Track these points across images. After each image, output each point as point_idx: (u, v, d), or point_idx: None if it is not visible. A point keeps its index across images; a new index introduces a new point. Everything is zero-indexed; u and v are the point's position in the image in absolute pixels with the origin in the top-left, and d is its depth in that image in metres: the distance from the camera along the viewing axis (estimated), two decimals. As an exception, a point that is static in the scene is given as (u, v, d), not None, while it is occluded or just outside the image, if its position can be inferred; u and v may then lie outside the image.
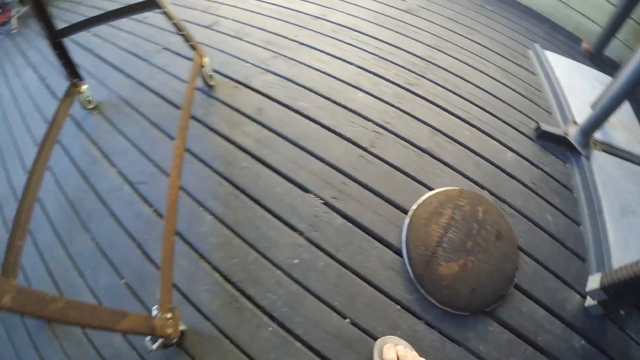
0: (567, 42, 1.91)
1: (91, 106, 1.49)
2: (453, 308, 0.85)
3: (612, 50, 1.80)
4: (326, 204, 1.02)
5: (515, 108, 1.37)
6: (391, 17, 1.69)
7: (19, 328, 1.04)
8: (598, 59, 1.83)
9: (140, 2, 1.31)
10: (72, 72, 1.37)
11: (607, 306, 0.88)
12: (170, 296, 0.81)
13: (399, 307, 0.87)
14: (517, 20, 1.91)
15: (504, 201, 1.07)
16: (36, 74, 1.85)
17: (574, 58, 1.72)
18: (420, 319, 0.86)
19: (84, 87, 1.44)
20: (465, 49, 1.57)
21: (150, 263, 1.00)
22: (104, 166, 1.27)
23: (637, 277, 0.77)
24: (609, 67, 1.77)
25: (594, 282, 0.90)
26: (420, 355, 0.76)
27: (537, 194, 1.10)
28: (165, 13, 1.28)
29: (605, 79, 1.59)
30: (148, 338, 0.80)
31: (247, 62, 1.47)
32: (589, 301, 0.91)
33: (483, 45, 1.62)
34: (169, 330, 0.79)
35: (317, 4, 1.78)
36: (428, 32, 1.62)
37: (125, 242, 1.05)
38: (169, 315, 0.79)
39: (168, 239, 0.84)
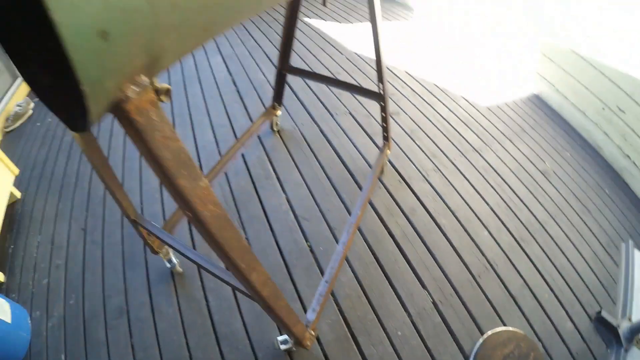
0: (661, 244, 2.24)
1: (276, 129, 2.04)
2: (491, 413, 1.34)
3: None
4: (434, 302, 1.54)
5: (589, 289, 1.78)
6: (528, 173, 2.15)
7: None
8: None
9: (369, 90, 1.63)
10: (279, 97, 1.91)
11: None
12: (318, 318, 1.32)
13: (456, 393, 1.37)
14: (626, 210, 2.28)
15: (550, 356, 1.52)
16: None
17: None
18: (467, 408, 1.35)
19: (279, 113, 1.98)
20: (574, 225, 2.00)
21: (291, 283, 1.54)
22: (275, 186, 1.84)
23: None
24: None
25: None
26: None
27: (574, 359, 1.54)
28: (382, 107, 1.75)
29: None
30: (281, 337, 1.31)
31: (413, 164, 2.02)
32: None
33: (588, 226, 2.04)
34: (308, 343, 1.27)
35: (478, 137, 2.29)
36: (551, 198, 2.06)
37: (276, 257, 1.61)
38: (315, 332, 1.31)
39: (332, 281, 1.37)
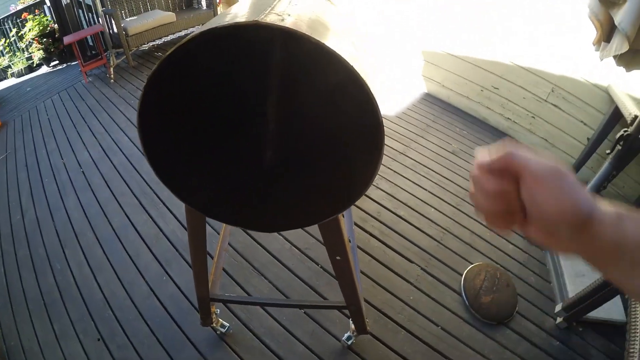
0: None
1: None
2: (488, 319, 2.19)
3: (583, 174, 3.28)
4: (422, 268, 2.40)
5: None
6: (443, 157, 3.23)
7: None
8: None
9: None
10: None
11: (568, 320, 2.20)
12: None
13: (460, 318, 2.20)
14: (519, 156, 3.45)
15: (508, 270, 2.45)
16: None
17: None
18: (472, 325, 2.19)
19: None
20: (487, 180, 3.06)
21: (321, 297, 2.29)
22: (271, 233, 2.58)
23: (579, 300, 2.11)
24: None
25: (558, 307, 2.25)
26: (466, 342, 2.10)
27: (525, 267, 2.49)
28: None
29: None
30: (345, 336, 2.06)
31: (363, 183, 2.93)
32: (558, 320, 2.24)
33: (497, 177, 3.12)
34: (368, 328, 2.04)
35: (399, 142, 3.35)
36: (465, 168, 3.13)
37: (300, 285, 2.36)
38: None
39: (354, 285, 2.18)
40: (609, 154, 2.24)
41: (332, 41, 0.76)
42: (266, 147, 0.89)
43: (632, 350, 1.38)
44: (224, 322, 2.08)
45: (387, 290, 2.27)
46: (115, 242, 2.61)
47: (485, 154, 0.41)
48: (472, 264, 2.44)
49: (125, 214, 2.80)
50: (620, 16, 1.75)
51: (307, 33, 0.71)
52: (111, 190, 3.03)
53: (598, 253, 0.36)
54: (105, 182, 3.13)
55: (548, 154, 0.39)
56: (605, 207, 0.36)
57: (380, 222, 2.65)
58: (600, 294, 1.93)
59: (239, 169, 0.96)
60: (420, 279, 2.35)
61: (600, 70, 2.92)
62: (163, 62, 0.74)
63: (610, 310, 2.13)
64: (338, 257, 1.35)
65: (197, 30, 0.76)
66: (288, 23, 0.72)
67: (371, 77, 0.85)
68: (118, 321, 2.17)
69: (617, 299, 2.11)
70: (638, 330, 1.47)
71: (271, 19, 0.73)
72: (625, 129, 2.11)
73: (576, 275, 2.41)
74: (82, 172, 3.29)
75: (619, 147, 2.14)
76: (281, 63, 0.75)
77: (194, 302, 2.16)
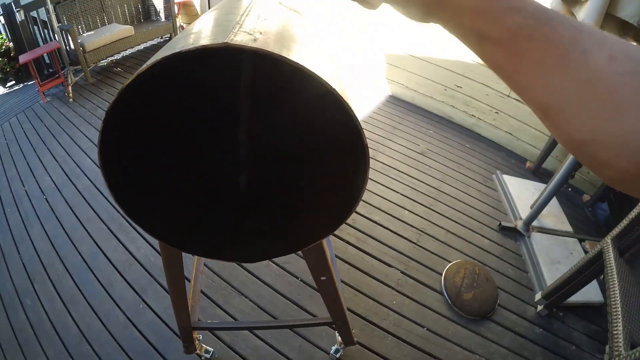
0: (517, 163, 3.53)
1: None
2: (472, 315, 2.21)
3: (549, 163, 3.38)
4: (402, 272, 2.41)
5: (486, 214, 2.86)
6: (412, 158, 3.25)
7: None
8: (538, 172, 3.42)
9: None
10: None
11: (548, 307, 2.25)
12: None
13: (444, 317, 2.22)
14: (486, 152, 3.52)
15: (486, 264, 2.49)
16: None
17: (521, 175, 3.30)
18: (456, 322, 2.21)
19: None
20: (456, 179, 3.11)
21: (307, 313, 2.26)
22: None
23: (558, 288, 2.15)
24: (547, 176, 3.34)
25: (538, 295, 2.30)
26: (452, 340, 2.12)
27: (502, 259, 2.54)
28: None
29: (541, 186, 3.12)
30: (332, 349, 2.03)
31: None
32: (538, 308, 2.29)
33: (465, 175, 3.18)
34: (355, 339, 2.02)
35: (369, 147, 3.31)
36: (434, 168, 3.17)
37: (281, 300, 2.32)
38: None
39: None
40: None
41: (308, 58, 0.72)
42: (240, 171, 0.84)
43: (615, 332, 1.42)
44: (207, 348, 2.01)
45: (370, 297, 2.26)
46: (86, 271, 2.48)
47: None
48: (450, 262, 2.47)
49: (94, 241, 2.67)
50: (583, 14, 1.80)
51: (282, 53, 0.66)
52: (77, 217, 2.89)
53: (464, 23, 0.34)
54: (71, 208, 2.98)
55: None
56: None
57: (356, 229, 2.64)
58: (577, 279, 2.00)
59: (213, 198, 0.92)
60: (401, 282, 2.35)
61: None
62: (124, 90, 0.68)
63: (588, 292, 2.21)
64: (323, 277, 1.32)
65: (160, 52, 0.71)
66: (259, 43, 0.68)
67: (348, 92, 0.82)
68: (97, 355, 2.06)
69: (594, 282, 2.18)
70: (619, 311, 1.52)
71: (241, 38, 0.69)
72: None
73: (552, 263, 2.48)
74: (46, 199, 3.13)
75: None
76: (253, 84, 0.71)
77: (174, 329, 2.08)
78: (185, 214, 0.95)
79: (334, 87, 0.70)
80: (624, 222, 1.77)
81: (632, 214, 1.73)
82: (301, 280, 2.33)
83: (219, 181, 0.89)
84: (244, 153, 0.82)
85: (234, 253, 1.07)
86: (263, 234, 1.01)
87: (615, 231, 1.80)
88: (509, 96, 3.44)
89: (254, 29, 0.77)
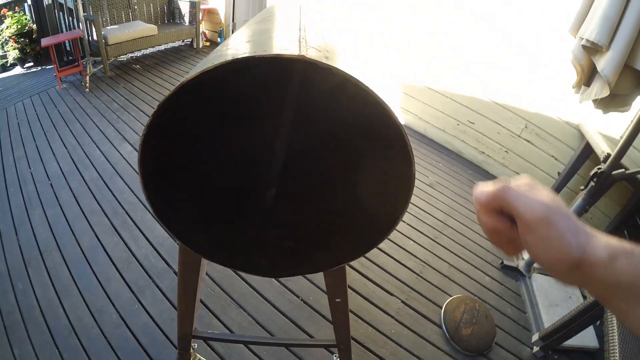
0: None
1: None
2: (469, 351, 2.16)
3: None
4: (402, 302, 2.35)
5: (489, 252, 2.83)
6: (421, 189, 3.22)
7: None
8: None
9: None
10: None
11: (544, 349, 2.20)
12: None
13: (441, 351, 2.16)
14: (492, 190, 3.50)
15: (485, 301, 2.44)
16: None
17: None
18: (453, 357, 2.15)
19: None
20: (462, 214, 3.09)
21: (306, 333, 2.19)
22: None
23: (555, 330, 2.11)
24: None
25: (535, 336, 2.25)
26: (454, 372, 2.06)
27: (502, 298, 2.50)
28: None
29: None
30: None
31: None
32: (534, 349, 2.24)
33: (473, 212, 3.14)
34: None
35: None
36: (442, 201, 3.14)
37: (280, 318, 2.24)
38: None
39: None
40: (583, 189, 2.29)
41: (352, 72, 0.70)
42: (270, 185, 0.81)
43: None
44: (201, 358, 1.94)
45: (369, 324, 2.20)
46: (83, 264, 2.42)
47: (482, 189, 0.41)
48: (451, 296, 2.42)
49: (95, 234, 2.61)
50: (603, 63, 1.80)
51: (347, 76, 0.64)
52: (80, 207, 2.83)
53: (595, 288, 0.37)
54: (75, 197, 2.93)
55: (543, 189, 0.38)
56: (600, 244, 0.36)
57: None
58: (575, 323, 1.97)
59: (242, 209, 0.89)
60: (401, 312, 2.30)
61: (572, 109, 3.04)
62: (186, 82, 0.64)
63: (584, 337, 2.18)
64: (338, 299, 1.28)
65: (213, 60, 0.68)
66: (313, 55, 0.65)
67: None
68: (85, 351, 1.97)
69: (591, 328, 2.14)
70: (617, 357, 1.51)
71: (312, 54, 0.66)
72: (599, 166, 2.18)
73: (550, 305, 2.43)
74: (51, 184, 3.07)
75: (592, 183, 2.20)
76: (298, 96, 0.69)
77: (169, 335, 2.01)
78: (211, 222, 0.92)
79: (393, 110, 0.67)
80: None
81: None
82: (302, 300, 2.27)
83: (248, 193, 0.86)
84: (277, 166, 0.80)
85: (256, 266, 1.03)
86: (290, 252, 0.97)
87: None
88: (519, 136, 3.45)
89: (319, 46, 0.76)
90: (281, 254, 0.98)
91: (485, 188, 0.41)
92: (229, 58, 0.63)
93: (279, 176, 0.81)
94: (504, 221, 0.40)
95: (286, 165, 0.79)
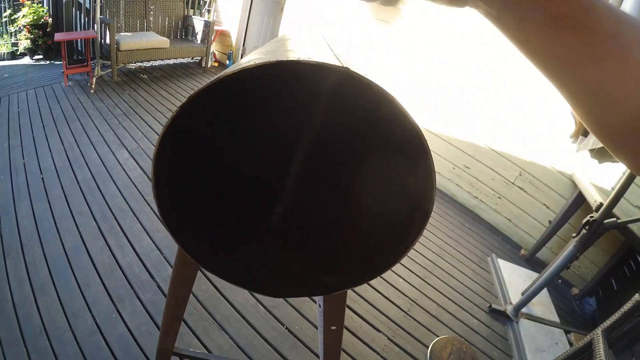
0: (512, 249, 3.49)
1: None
2: (449, 399, 2.06)
3: (542, 254, 3.33)
4: (389, 338, 2.26)
5: (478, 295, 2.76)
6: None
7: None
8: (532, 261, 3.36)
9: None
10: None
11: None
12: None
13: (424, 396, 2.06)
14: (484, 234, 3.48)
15: (472, 344, 2.35)
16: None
17: (515, 261, 3.24)
18: (434, 403, 2.05)
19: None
20: (453, 256, 3.04)
21: None
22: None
23: None
24: (539, 265, 3.28)
25: None
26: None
27: (489, 341, 2.42)
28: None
29: (533, 275, 3.04)
30: None
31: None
32: None
33: (462, 253, 3.11)
34: None
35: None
36: (433, 242, 3.10)
37: (264, 345, 2.12)
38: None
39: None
40: (574, 236, 2.27)
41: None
42: (278, 202, 0.74)
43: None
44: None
45: (354, 359, 2.09)
46: (64, 264, 2.28)
47: None
48: (437, 336, 2.33)
49: (80, 236, 2.48)
50: None
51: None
52: (69, 206, 2.71)
53: None
54: (65, 195, 2.80)
55: None
56: None
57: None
58: None
59: (251, 226, 0.83)
60: (387, 349, 2.20)
61: (566, 159, 3.07)
62: (224, 78, 0.59)
63: None
64: (333, 327, 1.20)
65: (230, 71, 0.63)
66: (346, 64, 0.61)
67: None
68: (54, 354, 1.81)
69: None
70: None
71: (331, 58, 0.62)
72: (591, 214, 2.17)
73: (537, 351, 2.37)
74: (42, 178, 2.95)
75: (584, 230, 2.18)
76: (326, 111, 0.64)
77: (144, 349, 1.87)
78: (218, 236, 0.86)
79: (425, 138, 0.63)
80: (616, 315, 1.73)
81: (625, 308, 1.70)
82: (286, 328, 2.15)
83: (256, 208, 0.81)
84: (290, 185, 0.75)
85: (259, 283, 0.95)
86: (293, 272, 0.91)
87: (607, 323, 1.75)
88: (513, 183, 3.46)
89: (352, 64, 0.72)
90: (286, 274, 0.92)
91: None
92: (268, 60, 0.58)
93: (291, 195, 0.76)
94: None
95: (299, 183, 0.75)
